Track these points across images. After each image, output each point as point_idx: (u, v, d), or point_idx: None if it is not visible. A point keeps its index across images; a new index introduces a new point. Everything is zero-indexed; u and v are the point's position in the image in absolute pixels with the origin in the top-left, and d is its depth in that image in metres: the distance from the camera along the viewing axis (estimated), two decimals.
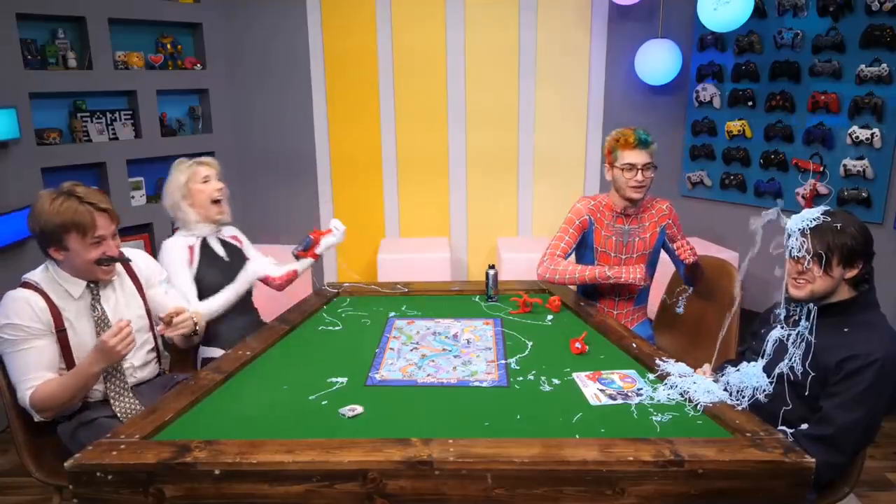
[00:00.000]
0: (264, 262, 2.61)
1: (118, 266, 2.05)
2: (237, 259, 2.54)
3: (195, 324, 2.07)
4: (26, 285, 1.90)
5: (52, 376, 1.84)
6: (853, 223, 1.64)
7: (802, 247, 1.64)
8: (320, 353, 2.12)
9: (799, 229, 1.66)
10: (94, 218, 1.87)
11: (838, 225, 1.62)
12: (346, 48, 4.13)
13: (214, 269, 2.45)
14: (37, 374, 1.82)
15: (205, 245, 2.47)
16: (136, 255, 2.15)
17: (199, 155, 4.12)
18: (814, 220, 1.65)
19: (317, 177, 4.31)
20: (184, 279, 2.36)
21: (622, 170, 2.43)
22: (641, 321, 2.64)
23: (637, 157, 2.41)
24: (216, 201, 2.46)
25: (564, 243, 2.57)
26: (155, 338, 2.15)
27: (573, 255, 2.68)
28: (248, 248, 2.64)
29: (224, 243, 2.55)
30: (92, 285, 1.96)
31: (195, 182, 2.43)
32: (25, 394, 1.81)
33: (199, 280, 2.40)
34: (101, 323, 1.95)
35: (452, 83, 4.19)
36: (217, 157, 4.09)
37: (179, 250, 2.39)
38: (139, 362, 2.06)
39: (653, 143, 2.44)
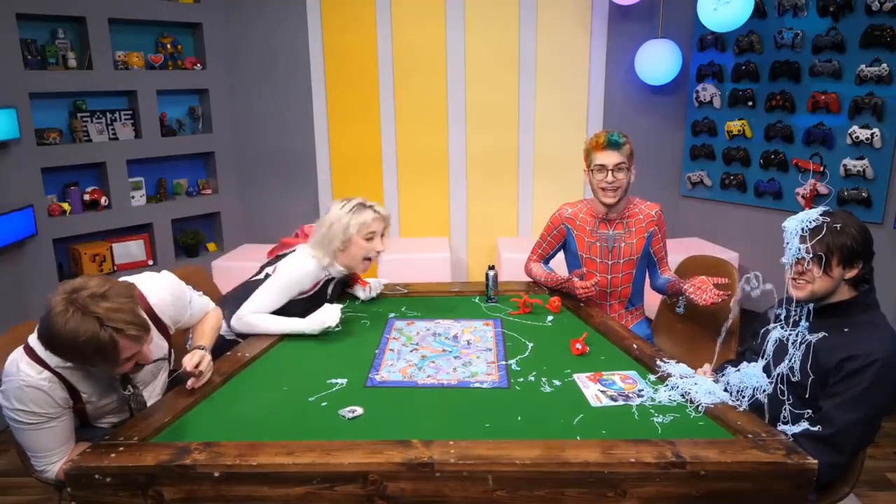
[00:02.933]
0: None
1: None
2: (333, 297, 2.49)
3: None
4: (40, 362, 1.60)
5: (71, 447, 1.70)
6: (853, 224, 1.64)
7: (802, 248, 1.64)
8: (320, 354, 2.11)
9: (799, 230, 1.66)
10: (119, 347, 1.53)
11: (838, 225, 1.62)
12: (346, 48, 4.13)
13: (305, 307, 2.32)
14: (59, 450, 1.67)
15: (325, 284, 2.39)
16: (159, 298, 1.85)
17: (200, 155, 4.16)
18: (813, 221, 1.65)
19: (317, 177, 4.31)
20: (274, 301, 2.26)
21: (594, 171, 2.42)
22: (639, 321, 2.64)
23: (607, 157, 2.38)
24: (368, 259, 2.37)
25: (542, 249, 2.71)
26: (171, 360, 2.00)
27: (561, 258, 2.71)
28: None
29: (339, 282, 2.49)
30: None
31: (360, 234, 2.30)
32: (49, 468, 1.67)
33: (288, 305, 2.30)
34: (135, 398, 1.77)
35: (452, 83, 4.18)
36: (217, 157, 4.14)
37: (306, 278, 2.29)
38: (157, 393, 1.93)
39: (625, 143, 2.40)
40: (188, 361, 1.78)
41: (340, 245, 2.30)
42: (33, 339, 1.62)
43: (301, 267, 2.30)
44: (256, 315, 2.25)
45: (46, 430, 1.63)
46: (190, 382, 1.79)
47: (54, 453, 1.66)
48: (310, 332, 2.22)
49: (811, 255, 1.63)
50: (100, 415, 1.76)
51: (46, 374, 1.59)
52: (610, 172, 2.38)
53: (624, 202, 2.49)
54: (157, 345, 1.84)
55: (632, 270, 2.54)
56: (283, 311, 2.30)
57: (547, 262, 2.73)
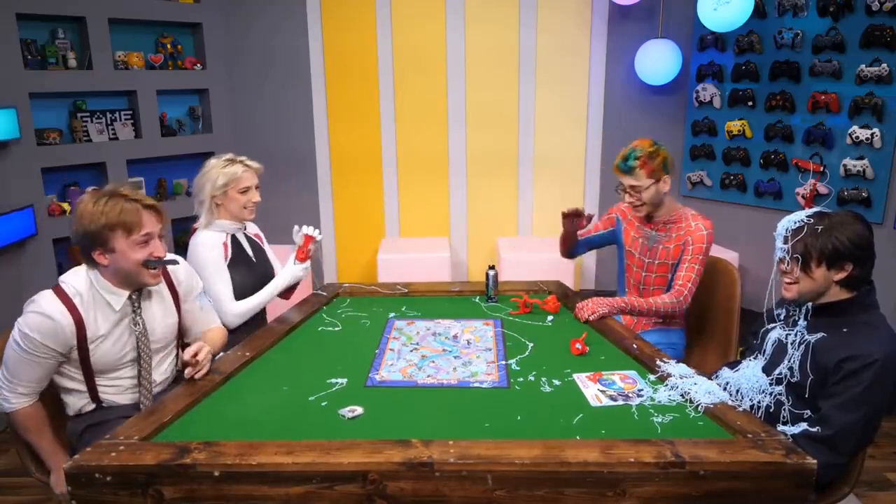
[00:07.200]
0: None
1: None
2: (262, 259, 2.55)
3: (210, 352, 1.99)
4: (62, 296, 1.76)
5: (34, 390, 1.80)
6: (846, 226, 1.62)
7: (784, 248, 1.66)
8: (320, 353, 2.11)
9: (783, 231, 1.67)
10: (141, 215, 1.78)
11: (820, 227, 1.62)
12: (346, 48, 4.13)
13: (242, 269, 2.43)
14: (30, 383, 1.78)
15: (234, 242, 2.45)
16: (178, 265, 2.04)
17: (200, 155, 4.16)
18: (796, 222, 1.67)
19: (317, 177, 4.31)
20: (223, 279, 2.33)
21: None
22: (674, 328, 2.55)
23: (624, 179, 2.42)
24: (246, 208, 2.43)
25: (591, 230, 2.71)
26: (178, 349, 2.06)
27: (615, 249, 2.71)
28: (268, 248, 2.65)
29: (250, 240, 2.54)
30: (133, 296, 1.86)
31: (234, 189, 2.37)
32: (10, 397, 1.78)
33: (233, 278, 2.38)
34: (142, 338, 1.87)
35: (452, 83, 4.18)
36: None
37: (214, 248, 2.35)
38: (161, 377, 1.99)
39: (634, 167, 2.36)
40: (187, 351, 1.84)
41: (215, 199, 2.37)
42: (63, 277, 1.82)
43: (199, 241, 2.36)
44: (241, 303, 2.36)
45: (28, 361, 1.76)
46: (188, 372, 1.83)
47: (24, 384, 1.78)
48: (294, 280, 2.48)
49: (790, 255, 1.64)
50: (107, 363, 1.83)
51: (62, 307, 1.74)
52: (625, 193, 2.44)
53: (664, 211, 2.46)
54: (169, 317, 1.97)
55: (666, 274, 2.46)
56: (236, 288, 2.39)
57: (584, 244, 2.72)
